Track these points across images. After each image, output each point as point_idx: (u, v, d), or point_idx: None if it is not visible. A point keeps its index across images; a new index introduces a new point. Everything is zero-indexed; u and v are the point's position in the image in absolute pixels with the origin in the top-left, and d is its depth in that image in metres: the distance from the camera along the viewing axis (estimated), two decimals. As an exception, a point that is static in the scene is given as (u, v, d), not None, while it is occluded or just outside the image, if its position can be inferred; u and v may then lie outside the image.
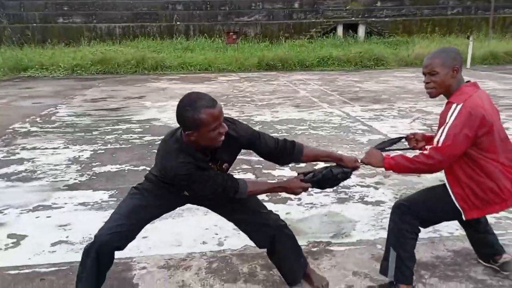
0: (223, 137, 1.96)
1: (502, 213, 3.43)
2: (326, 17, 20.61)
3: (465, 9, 21.80)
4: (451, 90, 2.21)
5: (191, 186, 2.01)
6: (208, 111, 1.87)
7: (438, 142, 2.12)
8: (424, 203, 2.33)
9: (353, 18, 20.54)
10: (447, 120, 2.12)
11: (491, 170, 2.18)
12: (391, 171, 2.30)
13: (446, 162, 2.15)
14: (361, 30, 19.81)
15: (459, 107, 2.11)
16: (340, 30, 19.86)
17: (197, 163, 1.96)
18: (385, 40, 19.21)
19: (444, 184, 2.28)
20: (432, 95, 2.29)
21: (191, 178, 1.95)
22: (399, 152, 2.37)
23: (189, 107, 1.89)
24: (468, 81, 2.26)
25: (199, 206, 3.66)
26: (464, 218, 2.28)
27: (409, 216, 2.30)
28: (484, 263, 2.67)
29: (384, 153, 2.35)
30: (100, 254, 2.11)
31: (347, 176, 2.30)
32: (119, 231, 2.11)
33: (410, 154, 2.27)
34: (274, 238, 2.31)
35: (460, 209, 2.24)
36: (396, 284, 2.35)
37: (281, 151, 2.23)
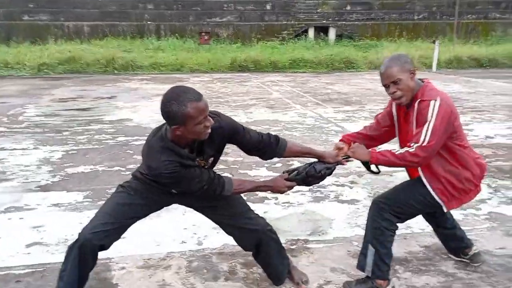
0: (209, 130, 1.96)
1: (468, 210, 3.60)
2: (297, 20, 20.85)
3: (431, 14, 22.53)
4: (414, 91, 2.29)
5: (176, 184, 2.02)
6: (194, 104, 1.85)
7: (424, 141, 2.17)
8: (402, 199, 2.40)
9: (324, 21, 20.86)
10: (428, 118, 2.18)
11: (465, 160, 2.32)
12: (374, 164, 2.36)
13: (431, 158, 2.25)
14: (332, 33, 20.17)
15: (437, 103, 2.19)
16: (311, 32, 20.14)
17: (182, 161, 1.96)
18: (355, 43, 19.61)
19: (420, 179, 2.36)
20: (404, 102, 2.31)
21: (176, 176, 1.96)
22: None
23: (174, 101, 1.85)
24: (420, 79, 2.35)
25: (177, 206, 3.68)
26: (445, 210, 2.39)
27: (388, 213, 2.38)
28: (455, 257, 2.80)
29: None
30: (83, 252, 2.08)
31: (331, 171, 2.35)
32: (103, 229, 2.09)
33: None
34: (261, 242, 2.34)
35: (441, 203, 2.35)
36: (373, 279, 2.43)
37: (266, 145, 2.24)
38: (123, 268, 2.70)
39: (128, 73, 14.30)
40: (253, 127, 6.55)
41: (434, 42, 16.32)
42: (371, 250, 2.39)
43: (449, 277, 2.64)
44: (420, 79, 2.34)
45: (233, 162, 4.87)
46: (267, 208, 3.65)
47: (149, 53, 16.52)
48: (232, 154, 5.22)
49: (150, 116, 7.46)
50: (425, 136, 2.18)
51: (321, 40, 19.53)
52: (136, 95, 9.85)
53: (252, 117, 7.44)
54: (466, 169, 2.32)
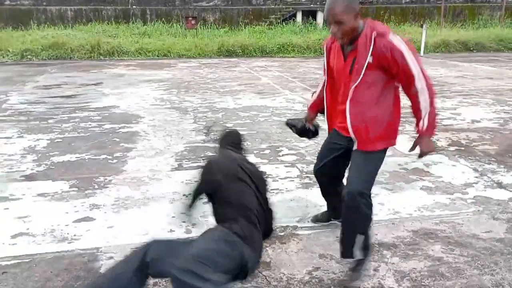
0: None
1: (455, 194, 3.65)
2: (285, 4, 20.63)
3: (419, -2, 22.49)
4: (359, 30, 2.26)
5: None
6: None
7: (419, 74, 2.20)
8: (372, 175, 2.39)
9: (312, 5, 20.67)
10: (405, 55, 2.18)
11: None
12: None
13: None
14: (320, 17, 20.00)
15: (398, 37, 2.22)
16: (299, 16, 19.97)
17: None
18: (343, 27, 19.46)
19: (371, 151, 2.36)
20: (346, 43, 2.30)
21: None
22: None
23: None
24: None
25: (164, 194, 3.65)
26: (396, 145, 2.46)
27: (368, 197, 2.36)
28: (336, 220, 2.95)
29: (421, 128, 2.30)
30: None
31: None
32: None
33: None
34: None
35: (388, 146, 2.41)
36: (365, 258, 2.44)
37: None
38: (111, 258, 2.68)
39: (114, 59, 14.07)
40: (241, 114, 6.47)
41: (421, 26, 16.33)
42: (359, 237, 2.38)
43: (436, 261, 2.67)
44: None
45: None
46: (256, 195, 3.63)
47: (135, 38, 16.25)
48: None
49: (137, 102, 7.36)
50: (420, 71, 2.20)
51: (309, 24, 19.39)
52: (123, 81, 9.71)
53: (241, 103, 7.38)
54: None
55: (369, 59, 2.21)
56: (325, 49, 2.54)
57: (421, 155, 2.36)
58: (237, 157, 2.35)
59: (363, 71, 2.24)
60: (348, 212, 2.38)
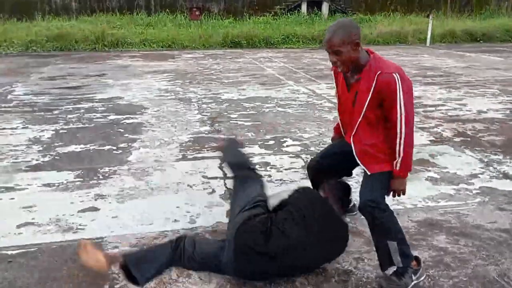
0: None
1: (460, 185, 3.63)
2: (290, -6, 20.47)
3: (425, -12, 22.22)
4: (362, 61, 2.25)
5: None
6: None
7: (401, 116, 2.19)
8: (381, 187, 2.34)
9: (317, -4, 20.51)
10: (399, 93, 2.17)
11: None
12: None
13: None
14: (325, 8, 19.85)
15: (399, 76, 2.18)
16: (304, 7, 19.81)
17: None
18: (348, 18, 19.33)
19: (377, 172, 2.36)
20: (345, 71, 2.31)
21: None
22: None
23: None
24: (366, 50, 2.31)
25: (169, 185, 3.66)
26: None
27: (384, 205, 2.30)
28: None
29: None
30: None
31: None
32: None
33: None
34: None
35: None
36: (406, 266, 2.30)
37: None
38: (115, 247, 2.69)
39: (118, 50, 14.04)
40: (246, 104, 6.46)
41: (428, 16, 16.15)
42: (392, 245, 2.26)
43: (440, 251, 2.66)
44: (366, 50, 2.31)
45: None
46: (260, 186, 3.63)
47: (139, 29, 16.18)
48: (225, 132, 5.19)
49: (142, 93, 7.36)
50: (401, 113, 2.19)
51: (314, 15, 19.24)
52: (127, 72, 9.70)
53: (245, 94, 7.36)
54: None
55: (370, 96, 2.24)
56: (333, 72, 2.53)
57: (393, 194, 2.37)
58: None
59: (365, 108, 2.27)
60: (368, 223, 2.35)
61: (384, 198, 2.35)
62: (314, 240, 2.27)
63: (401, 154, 2.25)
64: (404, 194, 2.38)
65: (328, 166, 2.72)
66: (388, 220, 2.30)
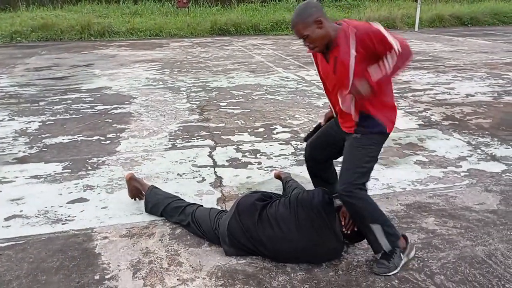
0: None
1: (449, 168, 3.66)
2: (278, -20, 20.25)
3: (413, -28, 22.12)
4: (333, 34, 2.23)
5: None
6: None
7: (396, 48, 2.11)
8: (360, 162, 2.30)
9: (305, -19, 20.30)
10: (382, 31, 2.14)
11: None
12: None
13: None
14: (314, -6, 19.69)
15: (373, 23, 2.20)
16: (292, -7, 19.64)
17: None
18: (337, 3, 19.25)
19: (357, 137, 2.34)
20: (322, 49, 2.29)
21: None
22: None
23: None
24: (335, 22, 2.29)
25: (158, 175, 3.64)
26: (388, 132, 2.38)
27: (362, 186, 2.29)
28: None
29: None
30: None
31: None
32: None
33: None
34: None
35: (385, 128, 2.34)
36: (394, 247, 2.30)
37: None
38: (105, 237, 2.68)
39: (105, 40, 13.85)
40: (235, 92, 6.43)
41: (416, 0, 16.13)
42: (376, 228, 2.27)
43: (429, 233, 2.69)
44: (335, 23, 2.27)
45: (215, 128, 4.81)
46: (250, 173, 3.63)
47: (125, 18, 15.95)
48: (214, 120, 5.16)
49: (129, 83, 7.28)
50: (394, 46, 2.11)
51: (303, 1, 19.08)
52: (114, 62, 9.57)
53: (234, 81, 7.32)
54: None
55: (354, 53, 2.18)
56: (312, 56, 2.51)
57: (350, 93, 2.26)
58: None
59: (352, 70, 2.21)
60: (347, 206, 2.33)
61: (361, 183, 2.30)
62: (302, 242, 2.35)
63: (391, 68, 2.14)
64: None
65: (321, 155, 2.76)
66: (365, 204, 2.29)
